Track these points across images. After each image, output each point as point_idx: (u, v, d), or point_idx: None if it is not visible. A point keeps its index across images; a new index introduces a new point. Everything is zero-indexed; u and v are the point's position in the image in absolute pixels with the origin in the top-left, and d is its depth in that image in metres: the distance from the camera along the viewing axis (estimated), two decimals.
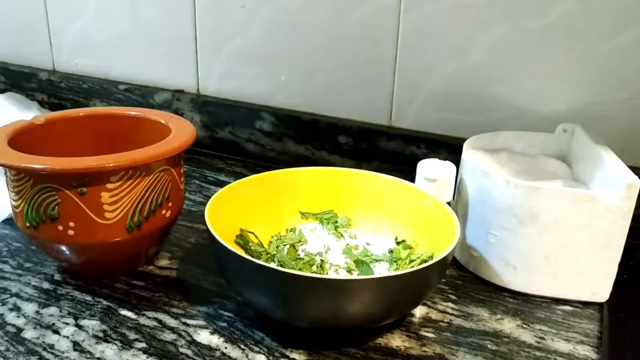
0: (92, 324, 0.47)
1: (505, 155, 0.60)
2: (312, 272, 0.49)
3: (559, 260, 0.50)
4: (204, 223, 0.45)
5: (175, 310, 0.49)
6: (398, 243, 0.53)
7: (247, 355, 0.44)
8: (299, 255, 0.52)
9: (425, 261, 0.50)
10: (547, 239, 0.50)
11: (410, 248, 0.52)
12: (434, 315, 0.49)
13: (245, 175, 0.53)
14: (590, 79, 0.63)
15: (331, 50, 0.73)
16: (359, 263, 0.50)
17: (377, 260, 0.52)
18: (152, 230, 0.50)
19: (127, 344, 0.45)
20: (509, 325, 0.49)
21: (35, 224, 0.47)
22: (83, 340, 0.45)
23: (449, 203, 0.53)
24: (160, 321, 0.47)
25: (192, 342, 0.45)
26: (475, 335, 0.47)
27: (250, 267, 0.41)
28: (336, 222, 0.56)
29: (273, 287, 0.42)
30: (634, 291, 0.53)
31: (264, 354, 0.44)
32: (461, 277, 0.55)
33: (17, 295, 0.50)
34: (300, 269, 0.49)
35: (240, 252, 0.42)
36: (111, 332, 0.46)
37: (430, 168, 0.55)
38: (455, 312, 0.50)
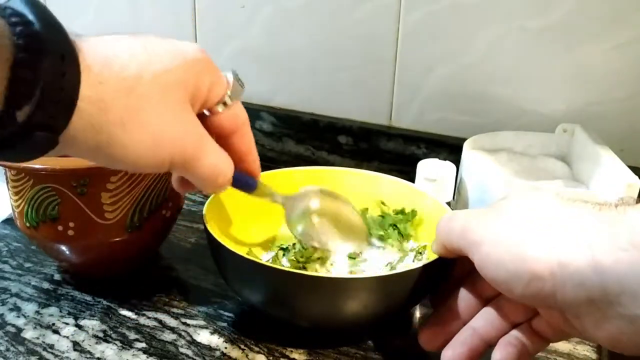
0: (92, 324, 0.47)
1: (505, 155, 0.60)
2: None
3: None
4: (204, 223, 0.46)
5: (175, 310, 0.49)
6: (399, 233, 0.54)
7: (247, 355, 0.44)
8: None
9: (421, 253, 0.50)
10: None
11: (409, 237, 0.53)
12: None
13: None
14: (590, 79, 0.63)
15: (331, 50, 0.73)
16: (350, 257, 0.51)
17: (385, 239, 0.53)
18: (152, 230, 0.50)
19: (127, 344, 0.45)
20: None
21: (35, 224, 0.47)
22: (83, 340, 0.45)
23: (449, 203, 0.53)
24: (160, 321, 0.47)
25: (192, 342, 0.45)
26: None
27: (249, 266, 0.41)
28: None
29: (272, 285, 0.42)
30: None
31: (264, 354, 0.44)
32: None
33: (17, 295, 0.50)
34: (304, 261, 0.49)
35: (239, 251, 0.42)
36: (111, 332, 0.46)
37: (430, 168, 0.55)
38: None
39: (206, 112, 0.37)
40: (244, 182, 0.42)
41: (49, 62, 0.26)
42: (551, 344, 0.46)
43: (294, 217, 0.48)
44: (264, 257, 0.53)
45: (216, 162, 0.36)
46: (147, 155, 0.32)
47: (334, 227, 0.50)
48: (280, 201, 0.47)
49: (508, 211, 0.35)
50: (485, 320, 0.38)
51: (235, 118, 0.38)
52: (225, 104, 0.37)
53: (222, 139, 0.39)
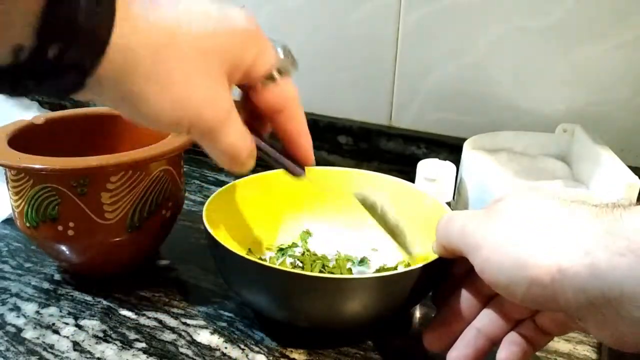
0: (92, 324, 0.47)
1: (505, 155, 0.60)
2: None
3: None
4: (204, 223, 0.45)
5: (175, 310, 0.49)
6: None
7: (247, 355, 0.44)
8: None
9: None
10: None
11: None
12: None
13: (245, 175, 0.53)
14: (590, 79, 0.63)
15: (331, 50, 0.73)
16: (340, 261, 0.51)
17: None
18: (152, 230, 0.50)
19: (127, 344, 0.45)
20: None
21: (35, 224, 0.47)
22: (83, 340, 0.45)
23: (448, 203, 0.53)
24: (160, 321, 0.47)
25: (192, 342, 0.45)
26: None
27: (249, 266, 0.41)
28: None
29: (272, 285, 0.42)
30: None
31: (264, 354, 0.44)
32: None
33: (17, 295, 0.50)
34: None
35: (239, 251, 0.42)
36: (111, 332, 0.46)
37: (430, 168, 0.55)
38: None
39: (254, 86, 0.35)
40: (288, 168, 0.39)
41: (85, 1, 0.26)
42: (552, 344, 0.46)
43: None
44: (264, 257, 0.53)
45: (235, 142, 0.34)
46: (166, 114, 0.31)
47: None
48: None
49: (507, 212, 0.35)
50: (488, 319, 0.38)
51: (283, 94, 0.36)
52: (272, 78, 0.35)
53: (269, 117, 0.37)
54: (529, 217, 0.33)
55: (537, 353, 0.46)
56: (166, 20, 0.30)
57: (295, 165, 0.39)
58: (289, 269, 0.46)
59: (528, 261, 0.32)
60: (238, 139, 0.35)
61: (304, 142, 0.39)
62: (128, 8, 0.28)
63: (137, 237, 0.49)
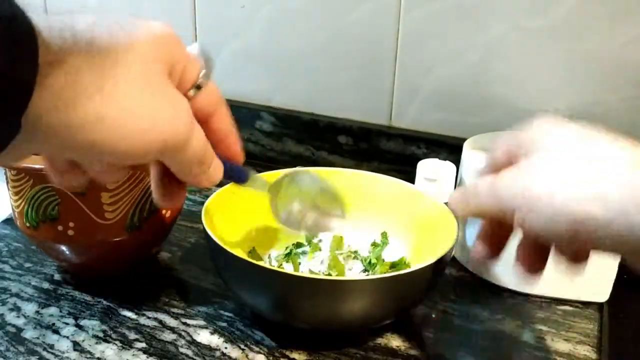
0: (92, 324, 0.47)
1: None
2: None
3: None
4: (202, 223, 0.45)
5: (175, 310, 0.49)
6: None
7: (247, 355, 0.44)
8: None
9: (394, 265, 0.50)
10: None
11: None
12: (434, 315, 0.49)
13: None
14: (591, 79, 0.63)
15: (331, 50, 0.73)
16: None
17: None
18: (152, 230, 0.50)
19: (127, 344, 0.45)
20: (509, 326, 0.49)
21: (35, 224, 0.47)
22: (83, 340, 0.45)
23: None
24: (160, 321, 0.47)
25: (192, 342, 0.45)
26: (476, 336, 0.47)
27: (246, 268, 0.41)
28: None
29: (269, 288, 0.42)
30: (634, 291, 0.53)
31: (264, 354, 0.44)
32: (461, 277, 0.55)
33: (17, 295, 0.50)
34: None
35: (239, 252, 0.42)
36: (111, 332, 0.46)
37: (430, 168, 0.55)
38: (455, 312, 0.50)
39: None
40: (235, 172, 0.37)
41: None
42: (551, 343, 0.46)
43: (277, 206, 0.45)
44: (268, 256, 0.53)
45: (203, 144, 0.32)
46: (133, 137, 0.27)
47: (314, 209, 0.46)
48: (267, 190, 0.43)
49: (537, 165, 0.35)
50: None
51: (213, 99, 0.34)
52: (200, 86, 0.32)
53: (201, 123, 0.33)
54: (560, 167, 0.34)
55: (537, 353, 0.46)
56: (94, 32, 0.27)
57: (239, 170, 0.38)
58: (288, 271, 0.46)
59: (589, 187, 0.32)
60: (204, 140, 0.32)
61: (235, 139, 0.36)
62: (45, 24, 0.24)
63: (137, 237, 0.49)
